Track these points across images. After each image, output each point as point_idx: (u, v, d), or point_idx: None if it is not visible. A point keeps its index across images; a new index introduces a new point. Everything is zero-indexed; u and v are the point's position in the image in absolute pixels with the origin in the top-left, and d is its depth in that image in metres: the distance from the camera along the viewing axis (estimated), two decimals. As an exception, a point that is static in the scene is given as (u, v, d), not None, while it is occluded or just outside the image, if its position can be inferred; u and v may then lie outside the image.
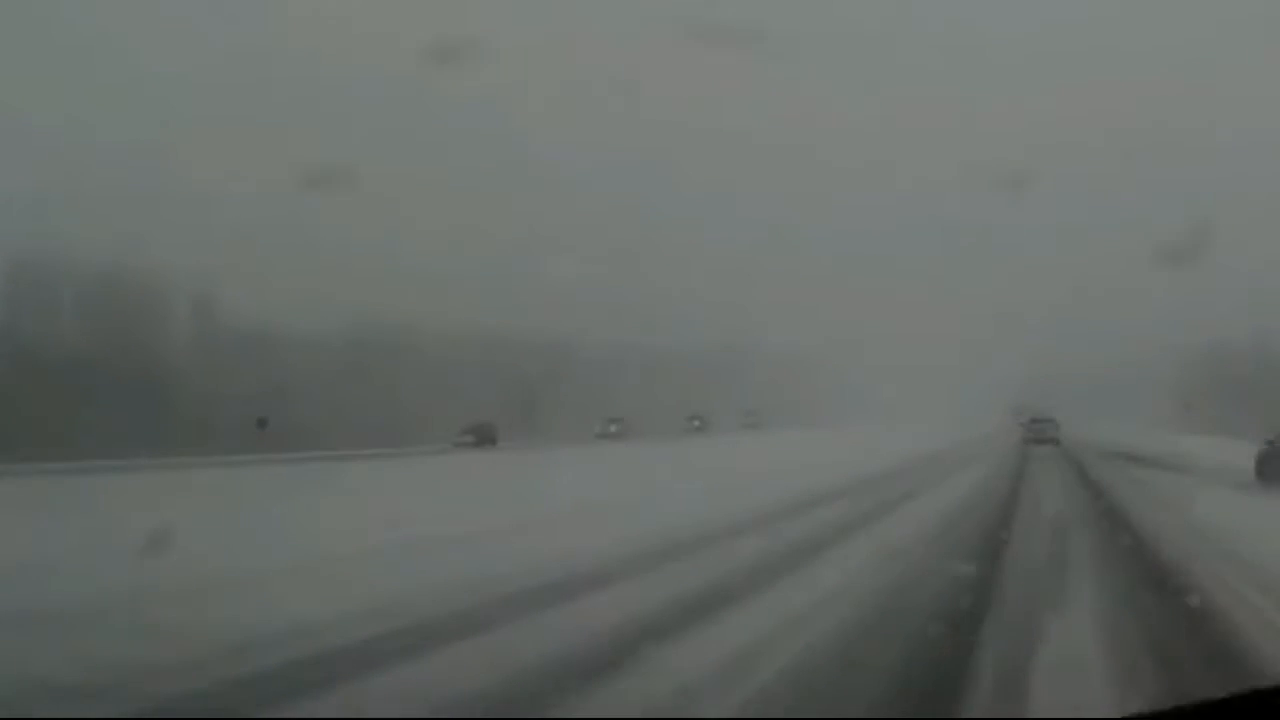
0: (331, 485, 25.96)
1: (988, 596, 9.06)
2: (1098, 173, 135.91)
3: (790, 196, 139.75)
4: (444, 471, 32.96)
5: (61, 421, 44.81)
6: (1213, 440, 39.86)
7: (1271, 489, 20.49)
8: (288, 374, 58.44)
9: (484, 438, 57.00)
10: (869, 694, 6.20)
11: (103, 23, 79.02)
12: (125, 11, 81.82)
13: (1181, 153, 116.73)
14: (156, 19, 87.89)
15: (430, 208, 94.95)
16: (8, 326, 51.19)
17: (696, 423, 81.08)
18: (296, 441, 48.99)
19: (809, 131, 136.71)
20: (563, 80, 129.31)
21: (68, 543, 13.20)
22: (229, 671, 6.62)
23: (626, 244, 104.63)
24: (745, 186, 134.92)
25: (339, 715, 5.85)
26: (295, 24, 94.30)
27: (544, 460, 40.27)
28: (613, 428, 68.08)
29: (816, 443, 48.49)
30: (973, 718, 5.63)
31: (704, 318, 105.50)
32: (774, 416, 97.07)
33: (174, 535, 12.14)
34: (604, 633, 7.49)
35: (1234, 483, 22.05)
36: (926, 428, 67.15)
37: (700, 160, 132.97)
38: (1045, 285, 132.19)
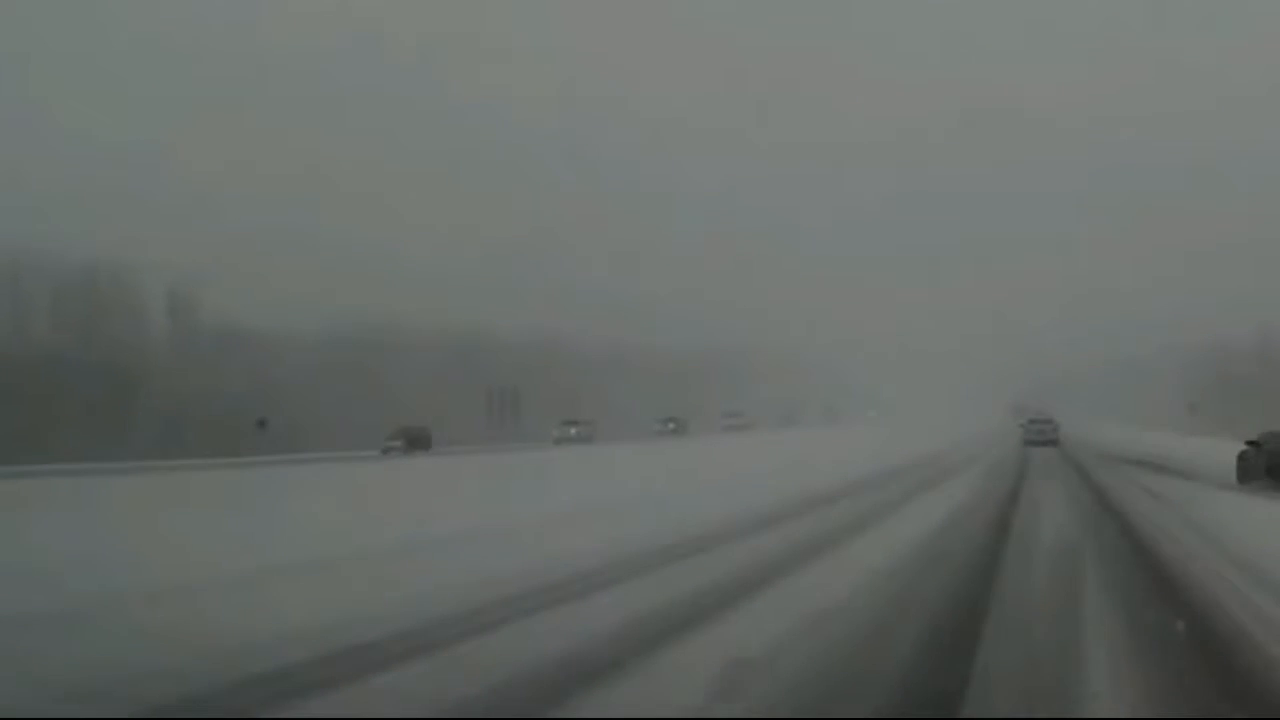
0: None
1: (988, 597, 9.23)
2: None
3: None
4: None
5: (62, 424, 44.98)
6: (1217, 443, 39.83)
7: (1265, 491, 20.62)
8: (286, 374, 58.52)
9: (415, 443, 54.09)
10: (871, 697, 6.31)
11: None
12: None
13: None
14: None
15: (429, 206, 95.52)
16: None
17: (671, 425, 77.58)
18: (296, 442, 49.24)
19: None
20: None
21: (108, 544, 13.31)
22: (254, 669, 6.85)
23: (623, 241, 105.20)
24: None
25: (344, 714, 6.00)
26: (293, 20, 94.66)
27: (453, 469, 35.29)
28: (572, 431, 64.42)
29: (808, 444, 47.67)
30: (973, 718, 5.74)
31: (700, 317, 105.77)
32: (768, 417, 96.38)
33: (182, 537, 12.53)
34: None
35: (1242, 488, 22.26)
36: (926, 427, 67.21)
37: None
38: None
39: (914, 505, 18.90)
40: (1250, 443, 23.34)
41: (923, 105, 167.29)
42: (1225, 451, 26.77)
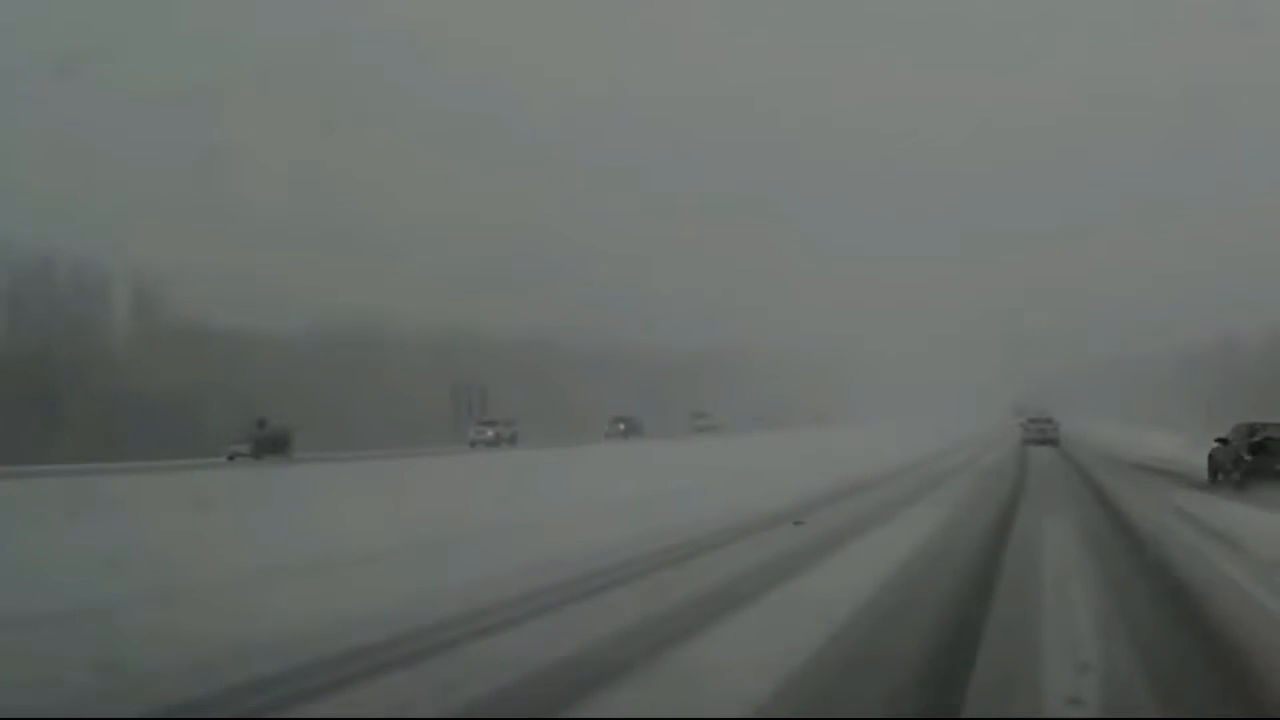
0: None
1: (988, 605, 9.58)
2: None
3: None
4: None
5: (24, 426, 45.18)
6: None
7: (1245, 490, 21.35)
8: (278, 373, 58.60)
9: (269, 446, 47.13)
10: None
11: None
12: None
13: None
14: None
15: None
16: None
17: (622, 426, 71.87)
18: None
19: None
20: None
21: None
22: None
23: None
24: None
25: (350, 714, 6.29)
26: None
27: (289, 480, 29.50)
28: (489, 433, 60.02)
29: (784, 447, 43.62)
30: (974, 718, 6.00)
31: (699, 316, 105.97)
32: (750, 418, 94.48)
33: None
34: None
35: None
36: (922, 428, 67.16)
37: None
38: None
39: (897, 522, 16.95)
40: (1220, 439, 24.65)
41: (923, 105, 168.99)
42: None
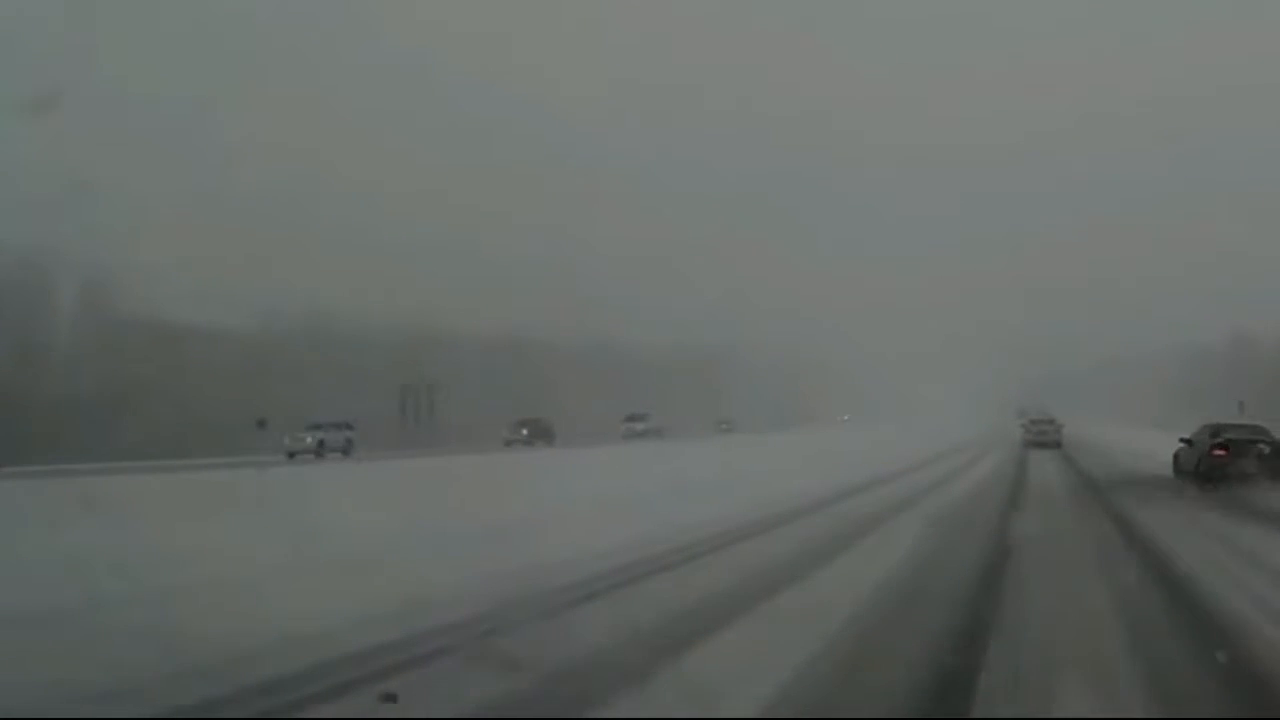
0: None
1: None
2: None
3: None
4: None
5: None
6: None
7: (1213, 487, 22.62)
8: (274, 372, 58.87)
9: None
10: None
11: None
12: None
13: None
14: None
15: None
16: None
17: (525, 431, 62.68)
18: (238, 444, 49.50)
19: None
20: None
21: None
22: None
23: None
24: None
25: (357, 715, 6.63)
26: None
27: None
28: (308, 439, 49.92)
29: (705, 463, 33.69)
30: (978, 718, 6.32)
31: (695, 316, 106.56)
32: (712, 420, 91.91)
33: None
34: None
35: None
36: (909, 431, 67.24)
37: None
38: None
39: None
40: (1184, 440, 26.36)
41: (923, 105, 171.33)
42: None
